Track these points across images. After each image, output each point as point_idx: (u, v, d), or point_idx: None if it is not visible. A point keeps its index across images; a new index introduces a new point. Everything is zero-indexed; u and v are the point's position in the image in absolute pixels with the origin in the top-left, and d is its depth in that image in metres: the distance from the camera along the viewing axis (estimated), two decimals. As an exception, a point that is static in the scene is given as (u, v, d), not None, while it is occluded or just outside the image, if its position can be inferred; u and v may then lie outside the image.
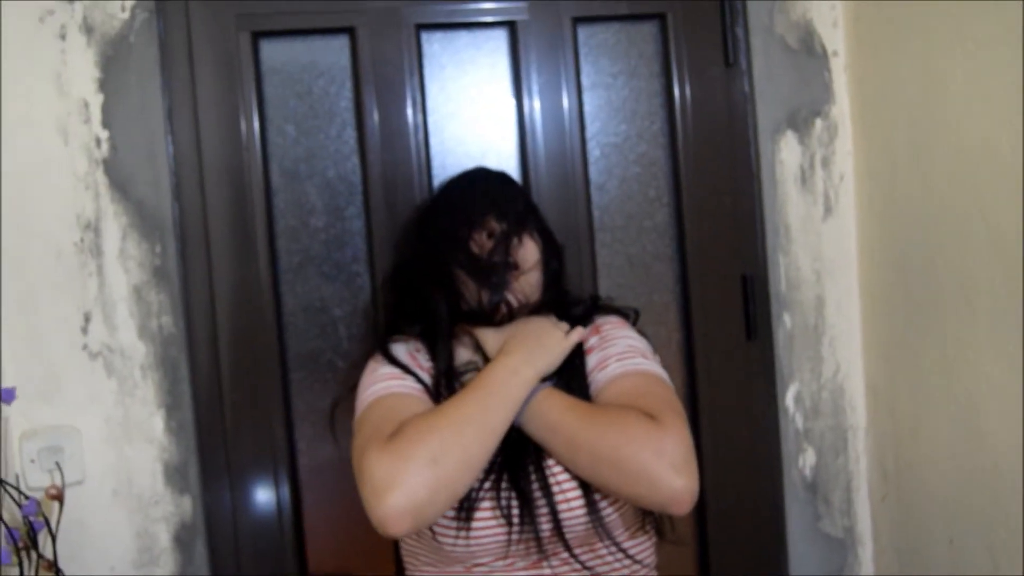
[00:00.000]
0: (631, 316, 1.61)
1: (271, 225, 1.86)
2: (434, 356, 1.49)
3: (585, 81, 1.94)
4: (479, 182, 1.63)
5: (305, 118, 1.88)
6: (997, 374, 1.53)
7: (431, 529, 1.36)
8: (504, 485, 1.37)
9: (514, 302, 1.48)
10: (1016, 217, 1.44)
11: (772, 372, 1.98)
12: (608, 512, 1.37)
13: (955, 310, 1.64)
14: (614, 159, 1.96)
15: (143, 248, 1.78)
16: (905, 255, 1.80)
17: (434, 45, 1.91)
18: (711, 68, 1.94)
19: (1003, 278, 1.49)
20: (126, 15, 1.77)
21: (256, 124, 1.84)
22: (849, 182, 1.97)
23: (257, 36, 1.85)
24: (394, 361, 1.48)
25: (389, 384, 1.43)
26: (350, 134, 1.89)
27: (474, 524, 1.35)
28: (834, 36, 1.96)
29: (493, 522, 1.36)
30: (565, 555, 1.37)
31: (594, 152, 1.95)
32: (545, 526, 1.36)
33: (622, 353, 1.45)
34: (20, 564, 1.63)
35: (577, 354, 1.47)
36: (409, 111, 1.88)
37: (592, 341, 1.50)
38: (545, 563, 1.39)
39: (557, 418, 1.35)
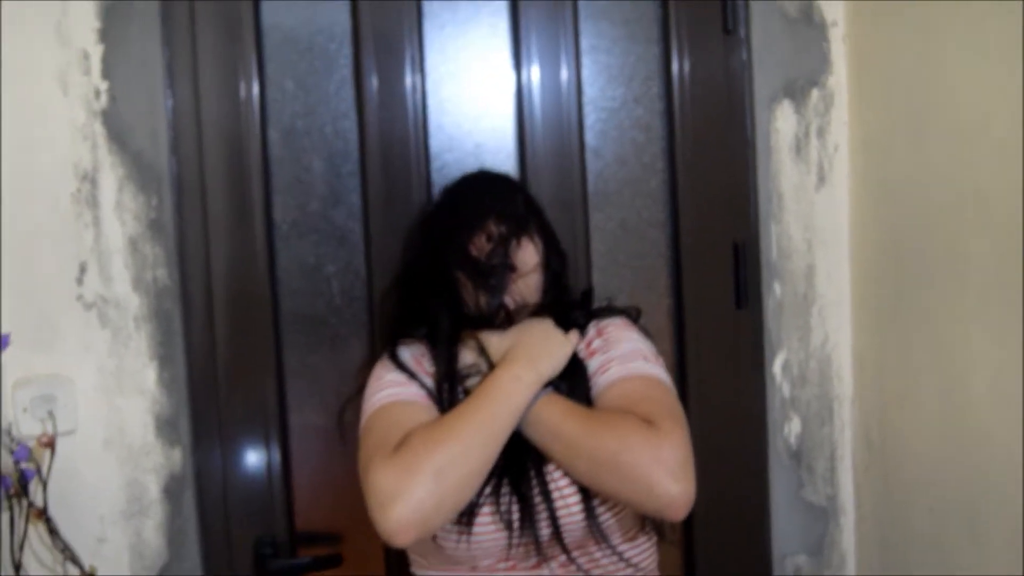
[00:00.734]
0: (633, 315, 1.62)
1: (267, 181, 1.86)
2: (436, 360, 1.51)
3: (584, 45, 1.93)
4: (480, 185, 1.66)
5: (304, 75, 1.88)
6: (985, 348, 1.55)
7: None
8: (505, 490, 1.40)
9: (511, 304, 1.49)
10: (1009, 192, 1.45)
11: (761, 340, 1.99)
12: (606, 517, 1.40)
13: (945, 283, 1.65)
14: (610, 124, 1.96)
15: (139, 200, 1.78)
16: (897, 227, 1.81)
17: (435, 5, 1.90)
18: (710, 36, 1.94)
19: (994, 253, 1.50)
20: None
21: (255, 79, 1.84)
22: (843, 153, 1.98)
23: None
24: (400, 366, 1.50)
25: (393, 392, 1.45)
26: (348, 91, 1.88)
27: (475, 529, 1.38)
28: (833, 6, 1.96)
29: (493, 527, 1.38)
30: (564, 558, 1.40)
31: (590, 116, 1.95)
32: (544, 530, 1.38)
33: (624, 356, 1.47)
34: (11, 510, 1.64)
35: (577, 358, 1.48)
36: (408, 70, 1.88)
37: (595, 343, 1.51)
38: (545, 566, 1.41)
39: (557, 424, 1.37)
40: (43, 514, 1.67)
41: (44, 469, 1.67)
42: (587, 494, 1.39)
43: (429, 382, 1.48)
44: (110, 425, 1.79)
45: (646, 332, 1.58)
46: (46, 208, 1.75)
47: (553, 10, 1.91)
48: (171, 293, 1.80)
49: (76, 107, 1.75)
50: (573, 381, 1.46)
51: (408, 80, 1.88)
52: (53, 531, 1.69)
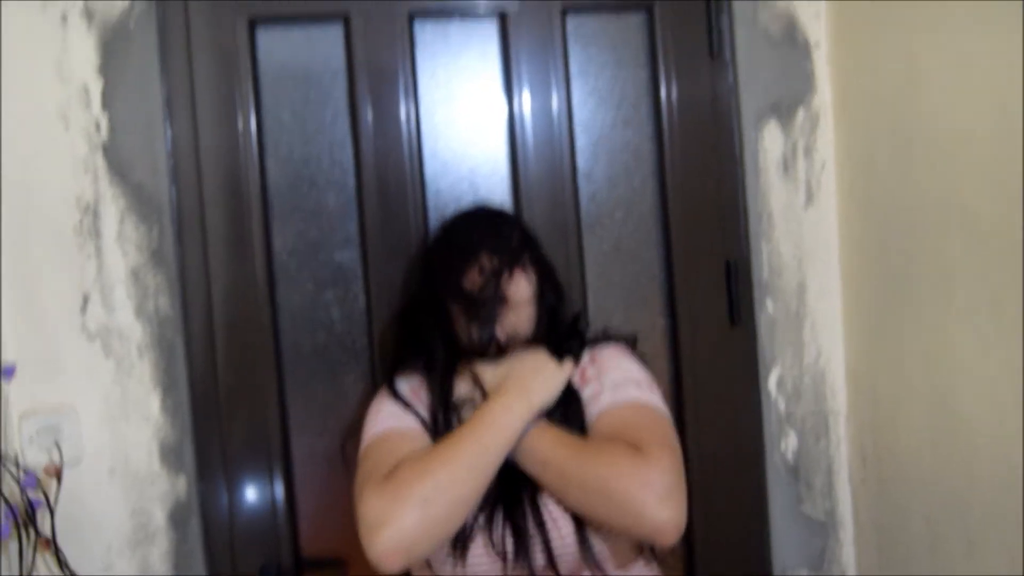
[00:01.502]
0: (629, 342, 1.64)
1: (266, 210, 1.89)
2: (432, 391, 1.54)
3: (573, 70, 1.97)
4: (475, 220, 1.69)
5: (301, 106, 1.91)
6: (974, 360, 1.56)
7: (428, 561, 1.42)
8: (499, 519, 1.42)
9: (502, 336, 1.52)
10: (993, 205, 1.47)
11: (755, 357, 2.01)
12: (599, 544, 1.42)
13: (933, 297, 1.66)
14: (601, 148, 1.99)
15: (141, 231, 1.81)
16: (885, 242, 1.83)
17: (427, 34, 1.93)
18: (696, 59, 1.97)
19: (980, 265, 1.52)
20: (126, 2, 1.81)
21: (252, 111, 1.87)
22: (830, 170, 2.00)
23: (254, 24, 1.88)
24: (397, 397, 1.53)
25: (390, 422, 1.49)
26: (344, 121, 1.92)
27: (470, 558, 1.41)
28: (816, 28, 1.99)
29: (487, 556, 1.41)
30: None
31: (581, 140, 1.98)
32: (539, 559, 1.40)
33: (616, 384, 1.49)
34: (20, 541, 1.65)
35: (572, 387, 1.50)
36: (401, 98, 1.91)
37: (590, 372, 1.54)
38: None
39: (548, 453, 1.39)
40: (51, 543, 1.68)
41: (51, 498, 1.68)
42: (580, 522, 1.41)
43: (425, 413, 1.51)
44: (115, 454, 1.81)
45: (643, 358, 1.60)
46: (49, 240, 1.78)
47: (542, 36, 1.94)
48: (173, 322, 1.83)
49: (77, 141, 1.79)
50: (567, 410, 1.48)
51: (402, 108, 1.91)
52: (62, 561, 1.70)
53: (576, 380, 1.52)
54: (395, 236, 1.90)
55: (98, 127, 1.80)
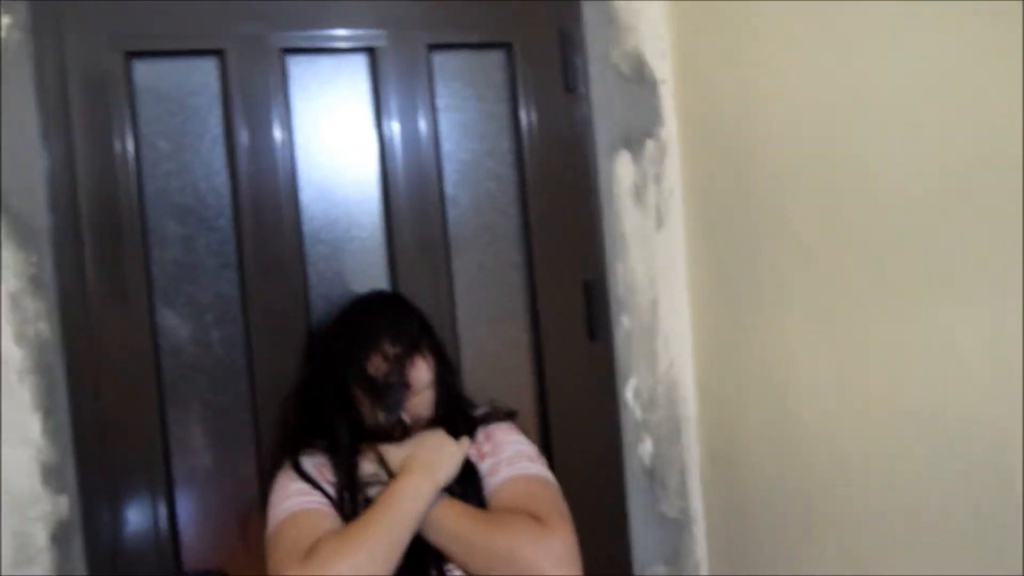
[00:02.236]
0: (512, 417, 1.75)
1: (144, 236, 1.89)
2: (337, 471, 1.61)
3: (440, 103, 2.03)
4: (375, 306, 1.77)
5: (177, 134, 1.92)
6: (807, 367, 1.68)
7: None
8: None
9: (408, 420, 1.61)
10: (821, 227, 1.58)
11: (612, 369, 2.10)
12: None
13: (771, 311, 1.77)
14: (466, 175, 2.06)
15: (19, 257, 1.81)
16: (727, 262, 1.93)
17: (299, 68, 1.97)
18: (553, 93, 2.06)
19: (811, 283, 1.63)
20: (1, 34, 1.80)
21: (129, 138, 1.88)
22: (678, 197, 2.10)
23: (130, 56, 1.88)
24: (303, 475, 1.59)
25: (299, 500, 1.55)
26: (220, 149, 1.94)
27: None
28: (662, 66, 2.09)
29: None
30: None
31: (448, 168, 2.04)
32: None
33: (511, 458, 1.61)
34: (-102, 563, 1.64)
35: (469, 462, 1.60)
36: (276, 129, 1.94)
37: (485, 448, 1.65)
38: None
39: (454, 526, 1.49)
40: (-69, 565, 1.68)
41: (-70, 521, 1.67)
42: None
43: (331, 491, 1.58)
44: (-4, 476, 1.79)
45: (526, 432, 1.72)
46: (-73, 267, 1.75)
47: (409, 69, 2.00)
48: (52, 346, 1.83)
49: (-45, 170, 1.76)
50: (466, 484, 1.58)
51: (277, 135, 1.94)
52: (-58, 585, 1.69)
53: (474, 456, 1.62)
54: (271, 260, 1.94)
55: (-25, 156, 1.78)
